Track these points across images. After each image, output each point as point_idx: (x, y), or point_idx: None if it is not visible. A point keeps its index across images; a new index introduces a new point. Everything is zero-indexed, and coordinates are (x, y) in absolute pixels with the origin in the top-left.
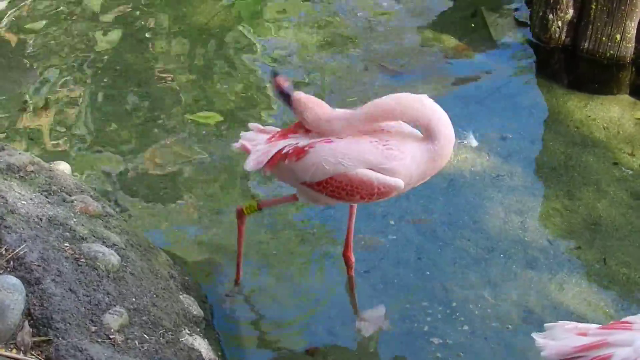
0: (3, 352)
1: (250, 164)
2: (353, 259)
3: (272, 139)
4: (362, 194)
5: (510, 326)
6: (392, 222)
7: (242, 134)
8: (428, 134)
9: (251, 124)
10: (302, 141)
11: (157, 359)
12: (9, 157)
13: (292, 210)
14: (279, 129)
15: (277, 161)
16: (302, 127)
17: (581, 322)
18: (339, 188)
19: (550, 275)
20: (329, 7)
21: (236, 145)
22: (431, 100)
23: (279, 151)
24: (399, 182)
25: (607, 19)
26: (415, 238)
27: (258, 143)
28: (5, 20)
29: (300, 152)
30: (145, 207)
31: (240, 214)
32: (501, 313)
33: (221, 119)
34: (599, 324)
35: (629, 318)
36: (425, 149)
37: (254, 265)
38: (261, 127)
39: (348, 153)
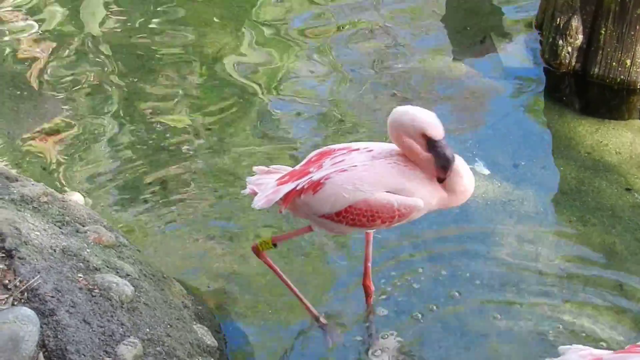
0: None
1: (259, 202)
2: (373, 287)
3: (284, 179)
4: (382, 217)
5: (525, 354)
6: (405, 251)
7: (249, 178)
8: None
9: (256, 168)
10: (317, 174)
11: None
12: (23, 188)
13: (305, 239)
14: (284, 167)
15: (292, 198)
16: (312, 165)
17: (596, 348)
18: (359, 215)
19: (565, 301)
20: (337, 36)
21: (245, 191)
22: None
23: (294, 188)
24: (419, 202)
25: (617, 45)
26: (428, 267)
27: (267, 184)
28: (19, 52)
29: (317, 185)
30: (158, 237)
31: (257, 251)
32: (516, 342)
33: (190, 122)
34: (615, 349)
35: None
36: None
37: (268, 295)
38: (266, 168)
39: (365, 178)
